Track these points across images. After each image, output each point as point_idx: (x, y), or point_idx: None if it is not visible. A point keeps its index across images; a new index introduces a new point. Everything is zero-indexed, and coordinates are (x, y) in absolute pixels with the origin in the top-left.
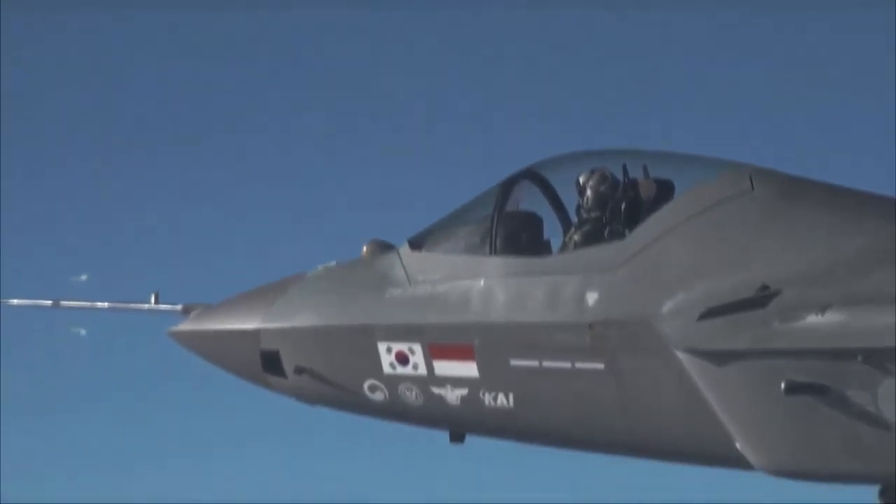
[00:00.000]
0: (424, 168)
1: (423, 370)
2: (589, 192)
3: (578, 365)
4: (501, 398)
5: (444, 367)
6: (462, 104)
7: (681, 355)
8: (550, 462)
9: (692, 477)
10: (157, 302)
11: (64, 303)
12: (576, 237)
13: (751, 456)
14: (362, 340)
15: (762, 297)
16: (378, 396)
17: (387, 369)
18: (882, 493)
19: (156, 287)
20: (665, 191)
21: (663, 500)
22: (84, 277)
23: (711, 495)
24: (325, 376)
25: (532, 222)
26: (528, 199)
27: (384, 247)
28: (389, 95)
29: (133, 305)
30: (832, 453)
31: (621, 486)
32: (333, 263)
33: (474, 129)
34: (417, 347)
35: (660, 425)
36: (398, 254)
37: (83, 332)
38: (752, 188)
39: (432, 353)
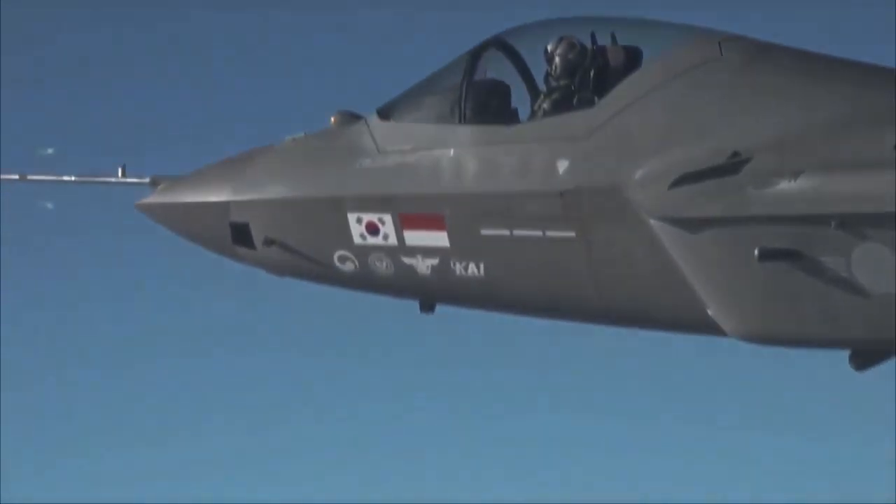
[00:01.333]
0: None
1: (393, 240)
2: (557, 60)
3: (549, 233)
4: (472, 267)
5: (414, 237)
6: None
7: (653, 223)
8: (551, 462)
9: (691, 477)
10: (124, 175)
11: (31, 177)
12: (545, 105)
13: (723, 322)
14: (332, 211)
15: (734, 164)
16: (348, 267)
17: (357, 240)
18: (852, 358)
19: (123, 160)
20: (634, 58)
21: (663, 500)
22: (50, 151)
23: (711, 495)
24: (295, 248)
25: (501, 91)
26: (497, 68)
27: (352, 117)
28: None
29: (100, 179)
30: (805, 319)
31: (620, 486)
32: (302, 134)
33: None
34: (388, 218)
35: (631, 293)
36: (367, 124)
37: (50, 205)
38: (721, 54)
39: (403, 223)
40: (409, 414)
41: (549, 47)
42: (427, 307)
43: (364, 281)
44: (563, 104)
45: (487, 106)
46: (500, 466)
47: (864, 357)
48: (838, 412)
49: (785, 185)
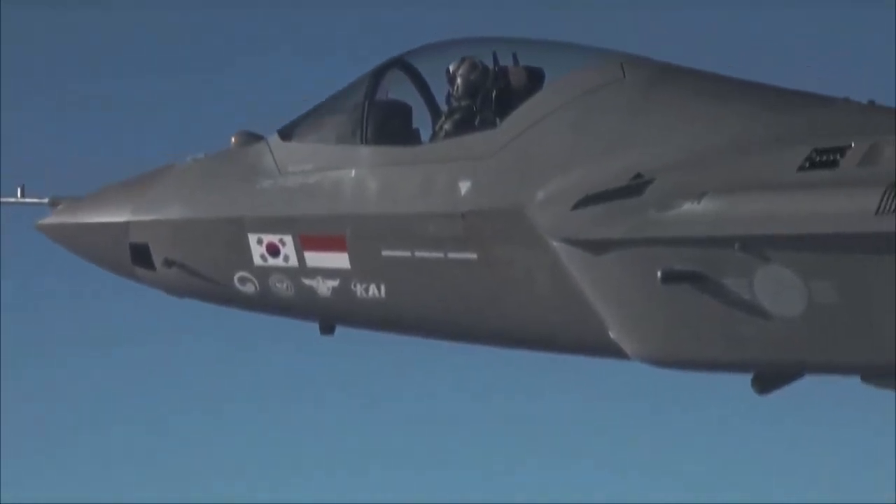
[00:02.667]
0: None
1: (294, 261)
2: (459, 81)
3: (451, 255)
4: (373, 289)
5: (315, 259)
6: None
7: (555, 244)
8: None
9: (690, 477)
10: (23, 195)
11: None
12: (447, 126)
13: (625, 344)
14: (232, 232)
15: (637, 185)
16: (248, 289)
17: (257, 261)
18: (754, 381)
19: (22, 181)
20: (536, 79)
21: (662, 500)
22: None
23: (710, 495)
24: (195, 269)
25: (403, 111)
26: (399, 89)
27: (253, 137)
28: None
29: None
30: (707, 341)
31: (620, 486)
32: (202, 155)
33: None
34: (288, 239)
35: (533, 315)
36: (268, 144)
37: None
38: (624, 75)
39: (303, 244)
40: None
41: (451, 68)
42: (327, 329)
43: (264, 302)
44: (465, 125)
45: (389, 127)
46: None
47: (767, 380)
48: (839, 411)
49: (688, 207)
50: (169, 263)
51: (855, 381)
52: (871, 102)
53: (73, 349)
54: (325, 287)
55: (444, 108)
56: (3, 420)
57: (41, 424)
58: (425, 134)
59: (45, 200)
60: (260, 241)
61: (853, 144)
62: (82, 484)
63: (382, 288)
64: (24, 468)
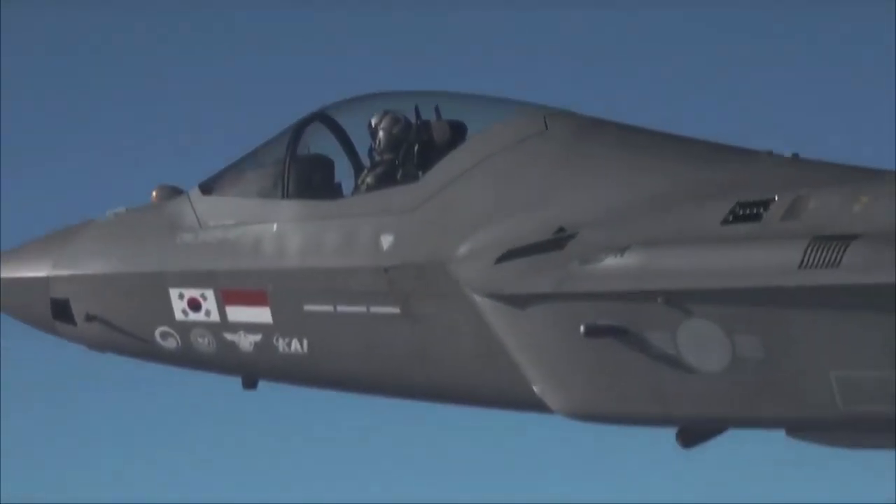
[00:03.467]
0: None
1: (215, 316)
2: (381, 135)
3: (374, 310)
4: (295, 344)
5: (237, 313)
6: None
7: (478, 299)
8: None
9: (690, 477)
10: None
11: None
12: (369, 180)
13: (549, 399)
14: (153, 287)
15: (559, 239)
16: (170, 343)
17: (179, 316)
18: (679, 435)
19: None
20: (459, 132)
21: (662, 500)
22: None
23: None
24: (116, 324)
25: (325, 165)
26: (321, 142)
27: (174, 191)
28: None
29: None
30: (631, 396)
31: (618, 486)
32: (123, 209)
33: None
34: (210, 293)
35: (457, 370)
36: (188, 198)
37: None
38: (547, 128)
39: (225, 298)
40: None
41: (373, 121)
42: (250, 384)
43: (186, 358)
44: (387, 179)
45: (311, 180)
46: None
47: (692, 435)
48: None
49: (611, 261)
50: (90, 318)
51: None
52: (795, 155)
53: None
54: (247, 342)
55: (366, 161)
56: (3, 420)
57: (41, 425)
58: (347, 187)
59: None
60: (181, 296)
61: (777, 198)
62: (82, 484)
63: (305, 343)
64: (23, 468)
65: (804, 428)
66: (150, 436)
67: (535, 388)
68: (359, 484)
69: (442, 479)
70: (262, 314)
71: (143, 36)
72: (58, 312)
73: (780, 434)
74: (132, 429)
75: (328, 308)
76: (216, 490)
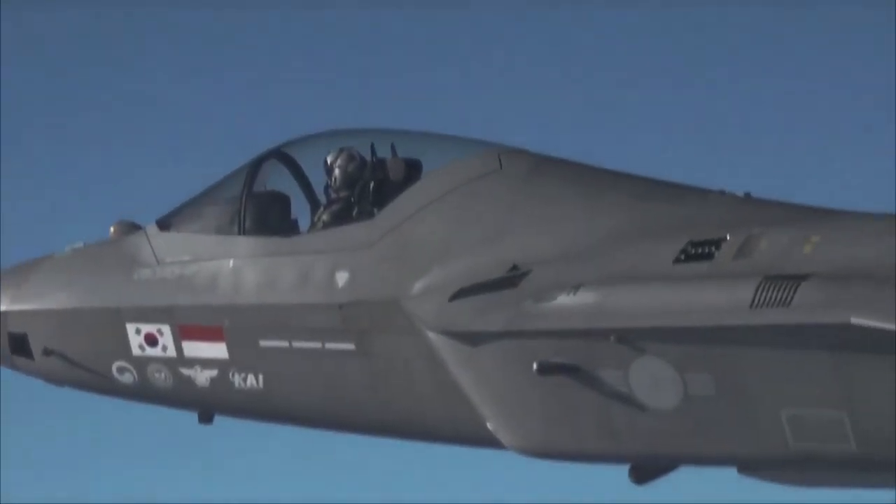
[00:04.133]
0: None
1: (172, 352)
2: (337, 172)
3: (329, 346)
4: (251, 379)
5: (193, 349)
6: None
7: (432, 336)
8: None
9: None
10: None
11: None
12: (325, 217)
13: (502, 436)
14: (110, 322)
15: (513, 277)
16: (127, 378)
17: (136, 351)
18: (632, 471)
19: None
20: (414, 170)
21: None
22: None
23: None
24: (74, 358)
25: (281, 202)
26: (277, 179)
27: (132, 227)
28: None
29: None
30: (584, 433)
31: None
32: (81, 244)
33: None
34: (166, 329)
35: (411, 406)
36: (146, 234)
37: None
38: (501, 167)
39: (182, 334)
40: None
41: (329, 159)
42: (206, 418)
43: (143, 392)
44: (342, 216)
45: (267, 217)
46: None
47: (645, 471)
48: None
49: (564, 299)
50: (48, 353)
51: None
52: (747, 195)
53: None
54: (203, 377)
55: (322, 198)
56: (3, 420)
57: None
58: (304, 224)
59: None
60: (138, 331)
61: (728, 237)
62: (83, 484)
63: (260, 378)
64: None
65: (755, 465)
66: (151, 436)
67: (489, 425)
68: (358, 483)
69: (442, 479)
70: (218, 349)
71: (99, 74)
72: (16, 347)
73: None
74: (132, 429)
75: (284, 344)
76: (217, 490)
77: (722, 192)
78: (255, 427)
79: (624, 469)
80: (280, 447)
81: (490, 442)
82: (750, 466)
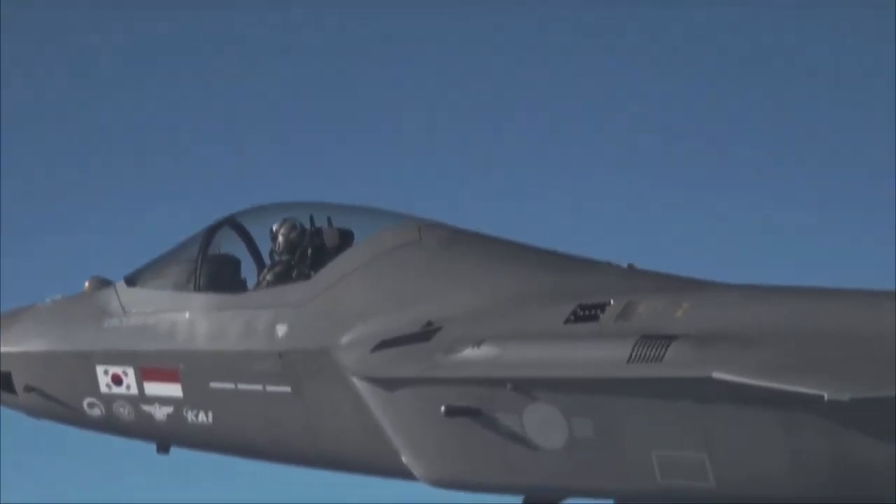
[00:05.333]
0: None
1: (134, 390)
2: (280, 239)
3: (269, 388)
4: (202, 416)
5: (153, 388)
6: None
7: (356, 381)
8: None
9: None
10: None
11: None
12: (269, 277)
13: (415, 469)
14: (82, 364)
15: (427, 332)
16: (96, 412)
17: (103, 389)
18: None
19: None
20: (346, 239)
21: None
22: None
23: None
24: (51, 394)
25: (232, 263)
26: (229, 244)
27: (103, 283)
28: None
29: None
30: (484, 468)
31: None
32: (59, 296)
33: None
34: (130, 370)
35: (339, 442)
36: (115, 289)
37: None
38: (420, 238)
39: (143, 375)
40: None
41: (274, 227)
42: (163, 449)
43: (109, 425)
44: (284, 276)
45: (219, 276)
46: None
47: (542, 502)
48: None
49: (469, 352)
50: (28, 389)
51: None
52: (630, 266)
53: None
54: (161, 413)
55: (267, 261)
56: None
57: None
58: (250, 283)
59: None
60: (106, 372)
61: (612, 302)
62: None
63: (210, 415)
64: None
65: (630, 499)
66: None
67: (404, 459)
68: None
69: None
70: (174, 389)
71: (84, 128)
72: (0, 383)
73: None
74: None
75: (230, 385)
76: (216, 490)
77: (608, 263)
78: None
79: (518, 500)
80: None
81: (405, 474)
82: (625, 500)
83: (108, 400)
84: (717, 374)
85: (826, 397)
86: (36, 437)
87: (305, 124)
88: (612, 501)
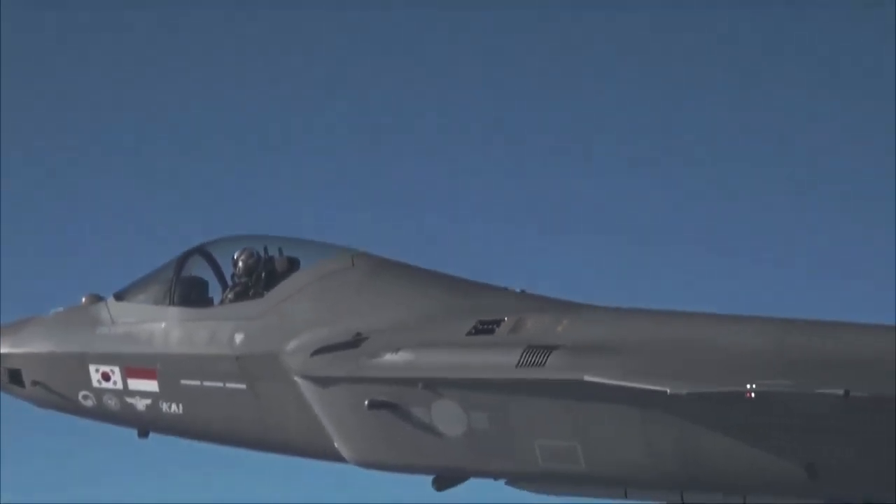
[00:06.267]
0: None
1: (120, 385)
2: (240, 264)
3: (228, 385)
4: (174, 407)
5: (135, 384)
6: None
7: (298, 380)
8: None
9: None
10: None
11: None
12: (230, 295)
13: (345, 452)
14: (78, 363)
15: (356, 341)
16: (89, 403)
17: (95, 384)
18: (434, 481)
19: None
20: (293, 265)
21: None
22: None
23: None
24: (52, 388)
25: (200, 284)
26: (198, 268)
27: (97, 298)
28: None
29: None
30: (401, 452)
31: None
32: (61, 308)
33: None
34: (116, 369)
35: (284, 430)
36: (106, 303)
37: None
38: (353, 266)
39: (127, 373)
40: None
41: (235, 255)
42: (143, 434)
43: (100, 414)
44: (242, 295)
45: (190, 294)
46: None
47: (444, 481)
48: None
49: (389, 357)
50: (34, 383)
51: None
52: (523, 291)
53: None
54: (141, 404)
55: (229, 282)
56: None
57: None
58: (216, 300)
59: None
60: (97, 370)
61: (506, 319)
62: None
63: (181, 406)
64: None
65: (517, 479)
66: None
67: (336, 445)
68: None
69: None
70: (152, 385)
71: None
72: (12, 378)
73: None
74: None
75: (197, 383)
76: (216, 490)
77: (505, 288)
78: None
79: (429, 479)
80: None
81: (337, 457)
82: (514, 480)
83: (99, 393)
84: (588, 377)
85: (668, 392)
86: (35, 436)
87: (266, 163)
88: (503, 481)
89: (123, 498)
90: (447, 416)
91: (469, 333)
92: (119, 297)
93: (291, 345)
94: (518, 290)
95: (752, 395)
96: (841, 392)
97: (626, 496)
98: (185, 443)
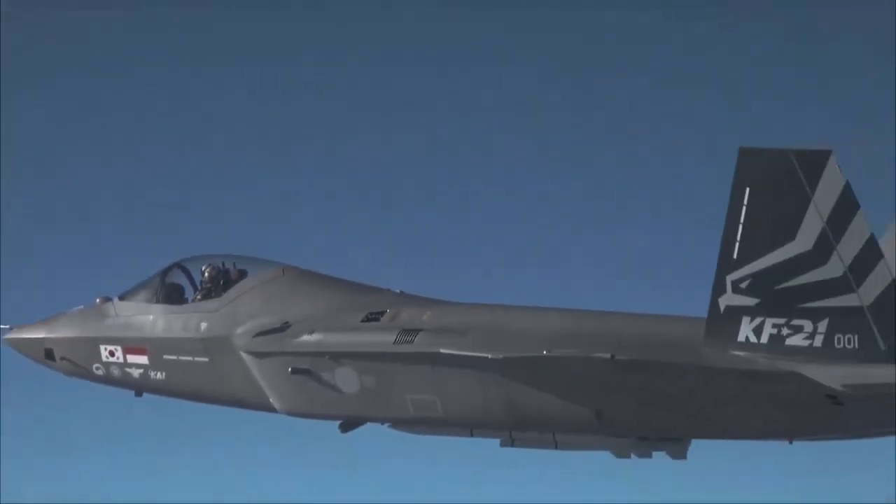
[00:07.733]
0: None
1: (121, 359)
2: (206, 274)
3: (196, 359)
4: (159, 374)
5: (132, 358)
6: None
7: (244, 355)
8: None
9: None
10: None
11: None
12: (199, 296)
13: (276, 405)
14: (92, 344)
15: (284, 326)
16: (100, 372)
17: (104, 359)
18: (341, 425)
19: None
20: (243, 275)
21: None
22: None
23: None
24: (75, 361)
25: (178, 288)
26: (178, 277)
27: (107, 299)
28: None
29: None
30: (318, 404)
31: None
32: (81, 307)
33: None
34: (119, 348)
35: (235, 390)
36: (112, 303)
37: None
38: (283, 275)
39: (126, 351)
40: None
41: (203, 267)
42: (139, 394)
43: (108, 380)
44: (207, 296)
45: (171, 296)
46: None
47: (347, 425)
48: None
49: (306, 337)
50: (62, 359)
51: None
52: (402, 292)
53: None
54: (136, 373)
55: (199, 287)
56: (3, 419)
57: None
58: (189, 299)
59: (6, 327)
60: (105, 349)
61: (388, 311)
62: (82, 484)
63: (164, 374)
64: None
65: (396, 423)
66: (151, 437)
67: (270, 399)
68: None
69: (441, 479)
70: (143, 359)
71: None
72: (47, 355)
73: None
74: (132, 430)
75: (175, 357)
76: (216, 490)
77: (389, 290)
78: (253, 427)
79: (336, 424)
80: (277, 448)
81: (271, 408)
82: (394, 424)
83: (107, 365)
84: (443, 350)
85: (489, 357)
86: (36, 437)
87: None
88: (387, 424)
89: (123, 498)
90: (346, 378)
91: (363, 321)
92: (121, 297)
93: (240, 330)
94: (398, 291)
95: (546, 355)
96: (608, 356)
97: (471, 434)
98: (171, 401)
